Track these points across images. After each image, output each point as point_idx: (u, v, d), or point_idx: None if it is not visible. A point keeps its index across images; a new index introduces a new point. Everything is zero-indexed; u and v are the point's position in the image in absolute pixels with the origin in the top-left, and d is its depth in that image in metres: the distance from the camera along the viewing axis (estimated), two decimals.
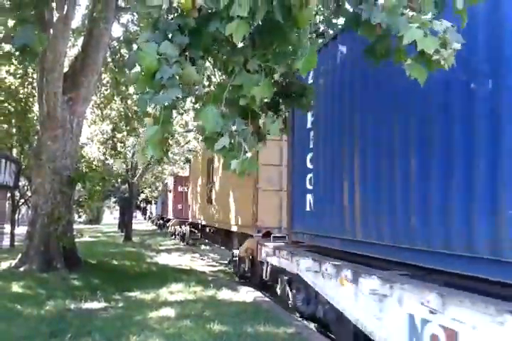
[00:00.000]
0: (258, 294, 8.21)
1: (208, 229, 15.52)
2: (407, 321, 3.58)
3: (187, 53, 3.07)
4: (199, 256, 14.82)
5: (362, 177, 4.83)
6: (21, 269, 9.90)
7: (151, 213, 50.04)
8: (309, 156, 6.23)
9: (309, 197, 6.14)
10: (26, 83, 14.20)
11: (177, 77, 2.94)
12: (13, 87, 14.07)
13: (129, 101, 16.71)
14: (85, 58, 10.98)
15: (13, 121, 14.59)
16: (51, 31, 9.57)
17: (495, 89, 3.24)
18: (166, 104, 2.93)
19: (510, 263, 3.07)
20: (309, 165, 6.22)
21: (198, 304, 7.06)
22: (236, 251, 10.08)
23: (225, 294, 8.01)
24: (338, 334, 5.18)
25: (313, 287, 5.33)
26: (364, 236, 4.76)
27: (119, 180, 22.11)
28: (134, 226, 25.02)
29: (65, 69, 10.81)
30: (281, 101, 4.33)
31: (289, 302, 6.40)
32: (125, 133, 18.50)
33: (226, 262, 11.93)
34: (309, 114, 6.17)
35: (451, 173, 3.54)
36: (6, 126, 14.70)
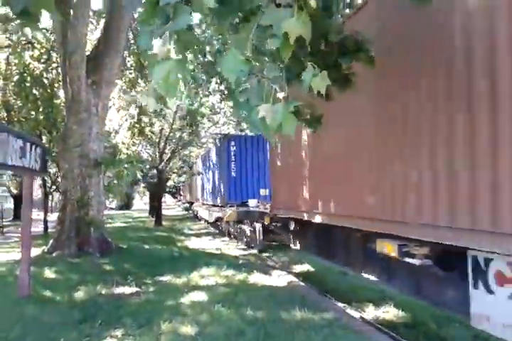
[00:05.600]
0: (292, 278, 7.96)
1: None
2: None
3: None
4: (229, 240, 14.70)
5: None
6: (53, 255, 9.97)
7: (181, 197, 49.96)
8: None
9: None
10: (50, 68, 14.11)
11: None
12: (37, 71, 13.98)
13: None
14: (107, 40, 10.79)
15: (40, 107, 14.58)
16: (71, 12, 9.38)
17: None
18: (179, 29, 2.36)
19: None
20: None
21: (230, 288, 6.87)
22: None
23: (256, 278, 7.79)
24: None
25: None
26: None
27: (147, 166, 22.01)
28: (164, 212, 25.18)
29: (88, 53, 10.64)
30: (338, 60, 3.48)
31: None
32: (151, 115, 18.44)
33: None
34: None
35: None
36: (33, 113, 14.69)
